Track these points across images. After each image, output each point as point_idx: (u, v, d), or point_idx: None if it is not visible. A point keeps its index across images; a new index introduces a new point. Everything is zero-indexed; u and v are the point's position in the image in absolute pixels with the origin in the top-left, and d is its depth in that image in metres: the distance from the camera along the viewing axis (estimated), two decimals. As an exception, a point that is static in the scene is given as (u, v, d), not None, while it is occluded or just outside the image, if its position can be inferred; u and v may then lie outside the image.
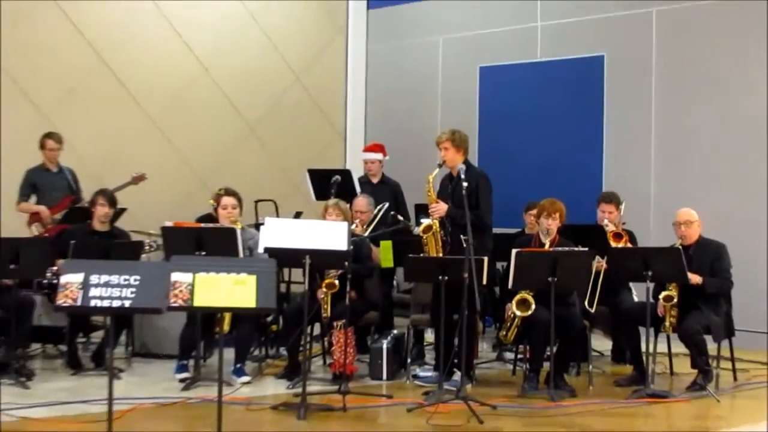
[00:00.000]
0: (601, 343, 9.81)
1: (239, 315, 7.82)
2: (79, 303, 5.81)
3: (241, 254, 8.29)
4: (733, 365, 8.76)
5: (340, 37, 14.39)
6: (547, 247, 8.29)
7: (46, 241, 9.16)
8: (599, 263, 8.57)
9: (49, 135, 10.50)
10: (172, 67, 12.79)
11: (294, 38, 13.89)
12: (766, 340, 10.47)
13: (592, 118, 12.14)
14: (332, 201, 8.97)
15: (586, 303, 8.54)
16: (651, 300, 8.05)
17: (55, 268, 8.75)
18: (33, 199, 10.39)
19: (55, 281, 8.77)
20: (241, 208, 8.91)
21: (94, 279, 5.83)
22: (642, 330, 8.25)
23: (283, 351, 9.18)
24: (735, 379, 8.70)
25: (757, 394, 8.41)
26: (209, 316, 8.12)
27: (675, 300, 8.16)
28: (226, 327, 7.75)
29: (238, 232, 8.46)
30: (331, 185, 9.99)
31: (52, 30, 11.82)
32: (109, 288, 5.83)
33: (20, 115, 11.50)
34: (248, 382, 8.30)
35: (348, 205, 9.17)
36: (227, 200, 8.80)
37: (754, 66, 10.92)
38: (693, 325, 8.17)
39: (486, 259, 8.07)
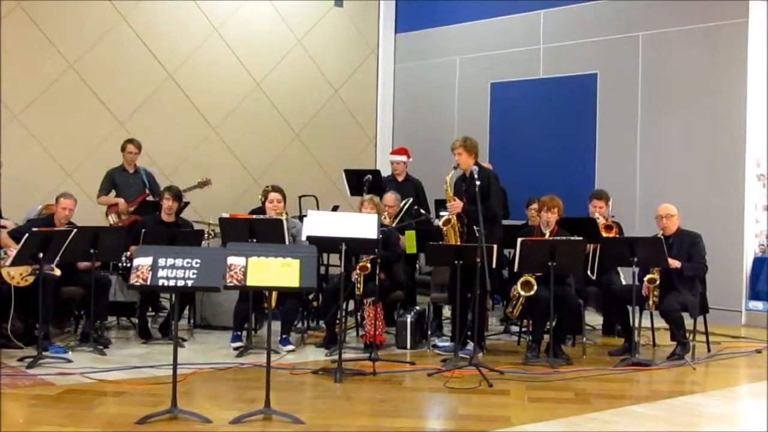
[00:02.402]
0: (593, 318, 9.72)
1: (285, 293, 7.76)
2: (148, 282, 5.82)
3: (287, 241, 8.24)
4: (707, 338, 8.63)
5: (372, 58, 14.33)
6: (547, 236, 8.21)
7: (121, 229, 9.13)
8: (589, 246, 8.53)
9: (129, 141, 10.35)
10: (230, 84, 12.77)
11: (333, 58, 13.85)
12: (737, 317, 10.41)
13: (586, 127, 12.02)
14: (367, 197, 8.89)
15: (588, 271, 8.52)
16: (637, 282, 7.96)
17: (128, 252, 8.77)
18: (112, 194, 10.32)
19: (128, 264, 8.80)
20: (285, 202, 8.83)
21: (161, 262, 5.83)
22: (629, 308, 8.17)
23: (322, 324, 9.12)
24: (708, 350, 8.58)
25: (727, 363, 8.34)
26: (259, 294, 8.09)
27: (657, 282, 8.08)
28: (273, 303, 7.70)
29: (284, 222, 8.43)
30: (363, 183, 9.92)
31: (128, 52, 11.84)
32: (174, 269, 5.83)
33: (100, 123, 11.52)
34: (292, 350, 8.26)
35: (380, 200, 9.11)
36: (273, 195, 8.76)
37: (723, 84, 10.78)
38: (672, 303, 8.09)
39: (495, 246, 8.00)
